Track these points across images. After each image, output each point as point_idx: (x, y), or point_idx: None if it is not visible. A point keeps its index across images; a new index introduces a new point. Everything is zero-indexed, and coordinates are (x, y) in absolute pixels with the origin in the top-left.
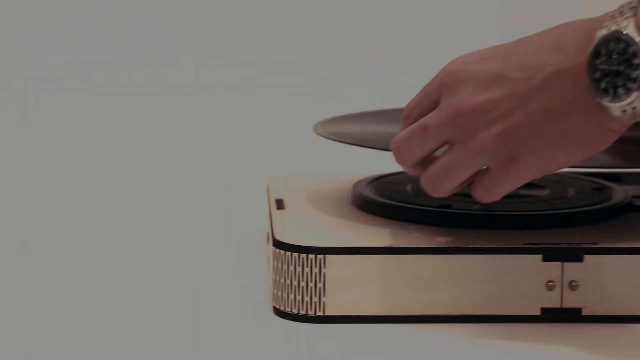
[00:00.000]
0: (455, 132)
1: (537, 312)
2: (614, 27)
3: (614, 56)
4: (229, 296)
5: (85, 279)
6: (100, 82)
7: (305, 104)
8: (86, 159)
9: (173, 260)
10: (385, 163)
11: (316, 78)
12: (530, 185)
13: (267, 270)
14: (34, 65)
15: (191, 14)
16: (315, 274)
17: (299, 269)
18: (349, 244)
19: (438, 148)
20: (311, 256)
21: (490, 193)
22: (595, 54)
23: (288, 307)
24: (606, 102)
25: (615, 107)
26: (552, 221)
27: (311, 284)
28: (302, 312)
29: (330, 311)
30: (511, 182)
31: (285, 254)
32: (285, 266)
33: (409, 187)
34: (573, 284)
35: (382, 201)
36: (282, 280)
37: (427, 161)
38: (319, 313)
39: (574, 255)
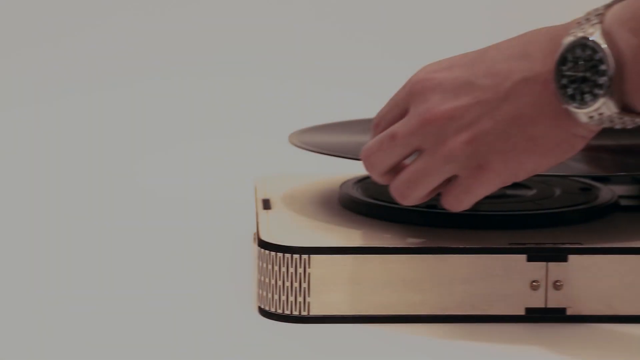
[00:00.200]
0: (424, 140)
1: (522, 312)
2: (580, 34)
3: (581, 63)
4: (216, 297)
5: (75, 279)
6: (79, 79)
7: (280, 113)
8: (69, 156)
9: (161, 260)
10: (358, 172)
11: (293, 88)
12: (517, 185)
13: (254, 270)
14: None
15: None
16: (300, 274)
17: (283, 269)
18: (333, 244)
19: (407, 156)
20: (296, 256)
21: (460, 201)
22: (562, 60)
23: (273, 307)
24: (573, 109)
25: (582, 114)
26: (537, 221)
27: (296, 284)
28: (287, 312)
29: (315, 311)
30: (480, 190)
31: (270, 254)
32: (270, 266)
33: None
34: (557, 284)
35: (368, 201)
36: (267, 280)
37: (396, 169)
38: (304, 313)
39: (559, 255)
